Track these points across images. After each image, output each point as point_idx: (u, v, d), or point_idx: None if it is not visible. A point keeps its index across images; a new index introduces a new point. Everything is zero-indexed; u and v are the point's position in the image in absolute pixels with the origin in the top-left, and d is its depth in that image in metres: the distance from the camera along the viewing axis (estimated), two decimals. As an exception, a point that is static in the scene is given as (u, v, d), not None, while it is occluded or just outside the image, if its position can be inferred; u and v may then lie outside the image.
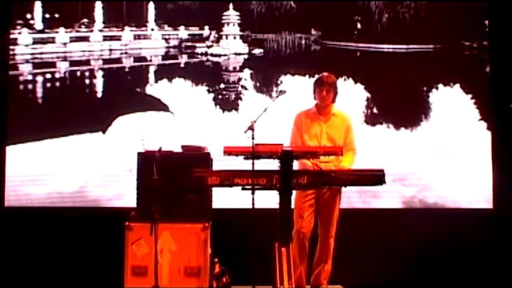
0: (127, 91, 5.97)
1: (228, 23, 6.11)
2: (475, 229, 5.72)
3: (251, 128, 4.05)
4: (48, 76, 5.95)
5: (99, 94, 5.98)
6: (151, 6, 6.07)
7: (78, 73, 5.98)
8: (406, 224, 5.69)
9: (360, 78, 6.14)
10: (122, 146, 5.67)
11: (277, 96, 4.46)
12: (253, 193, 4.07)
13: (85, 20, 6.03)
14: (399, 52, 6.18)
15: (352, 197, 5.85)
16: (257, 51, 6.11)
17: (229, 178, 4.15)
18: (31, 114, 5.85)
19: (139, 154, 4.62)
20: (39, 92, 5.92)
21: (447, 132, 6.00)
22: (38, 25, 5.98)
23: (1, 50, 5.82)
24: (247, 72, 6.08)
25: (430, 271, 5.77)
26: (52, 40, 5.97)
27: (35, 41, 5.95)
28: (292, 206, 4.40)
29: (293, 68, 6.11)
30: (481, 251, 5.74)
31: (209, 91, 5.99)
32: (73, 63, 5.98)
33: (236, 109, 5.99)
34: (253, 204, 4.06)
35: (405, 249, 5.67)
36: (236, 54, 6.10)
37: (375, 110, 6.12)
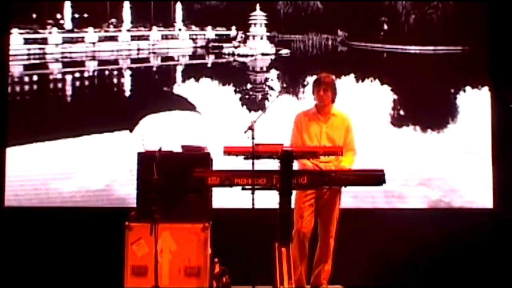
0: (154, 90, 6.03)
1: (255, 24, 6.13)
2: (475, 229, 5.71)
3: (251, 128, 4.05)
4: (77, 75, 6.03)
5: (127, 93, 6.05)
6: (178, 6, 6.12)
7: (107, 72, 6.05)
8: (406, 224, 5.68)
9: (387, 79, 6.12)
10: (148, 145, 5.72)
11: (277, 96, 4.48)
12: (253, 193, 4.07)
13: (113, 20, 6.09)
14: (426, 53, 6.15)
15: (377, 197, 5.87)
16: (284, 51, 6.13)
17: (229, 178, 4.15)
18: (59, 112, 5.92)
19: (139, 154, 4.60)
20: (68, 90, 6.00)
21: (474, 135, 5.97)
22: (68, 24, 6.06)
23: (1, 50, 5.89)
24: (273, 73, 6.11)
25: (430, 271, 5.75)
26: (81, 40, 6.05)
27: (65, 41, 6.04)
28: (292, 206, 4.40)
29: (319, 69, 6.01)
30: (481, 251, 5.72)
31: (236, 91, 6.02)
32: (101, 62, 6.05)
33: (263, 110, 6.00)
34: (253, 204, 4.04)
35: (405, 249, 5.65)
36: (263, 54, 6.12)
37: (401, 112, 6.10)
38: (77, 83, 6.02)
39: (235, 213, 5.01)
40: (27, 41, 5.98)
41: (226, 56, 6.11)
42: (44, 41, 6.00)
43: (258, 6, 6.12)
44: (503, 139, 5.91)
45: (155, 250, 4.16)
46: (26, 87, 5.97)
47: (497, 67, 5.99)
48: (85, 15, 6.07)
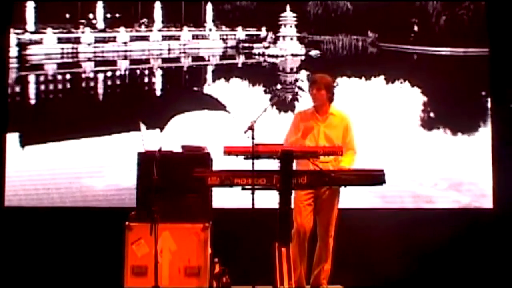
0: (185, 90, 6.09)
1: (285, 24, 6.15)
2: (475, 229, 5.69)
3: (251, 128, 4.04)
4: (109, 74, 6.10)
5: (158, 93, 6.10)
6: (209, 6, 6.16)
7: (138, 72, 6.12)
8: (406, 224, 5.66)
9: (417, 81, 6.10)
10: (179, 144, 5.76)
11: (277, 97, 4.46)
12: (253, 193, 4.06)
13: (145, 20, 6.16)
14: (457, 55, 6.10)
15: (405, 197, 5.87)
16: (314, 52, 6.14)
17: (229, 178, 4.13)
18: (91, 110, 5.99)
19: (139, 154, 4.60)
20: (100, 89, 6.08)
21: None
22: (100, 24, 6.13)
23: (1, 50, 5.94)
24: (303, 74, 6.12)
25: (430, 271, 5.73)
26: (113, 39, 6.13)
27: (97, 40, 6.11)
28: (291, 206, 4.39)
29: (349, 70, 6.10)
30: (481, 251, 5.70)
31: (265, 92, 6.04)
32: (133, 61, 6.12)
33: (293, 110, 6.00)
34: (253, 204, 4.03)
35: (405, 249, 5.64)
36: (293, 55, 6.14)
37: (431, 115, 6.06)
38: (109, 82, 6.10)
39: (235, 213, 5.02)
40: (60, 40, 6.07)
41: (256, 57, 6.14)
42: (77, 40, 6.09)
43: (288, 7, 6.13)
44: (503, 139, 5.88)
45: (155, 250, 4.15)
46: (59, 86, 6.08)
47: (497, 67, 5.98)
48: (117, 15, 6.15)
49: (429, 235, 5.61)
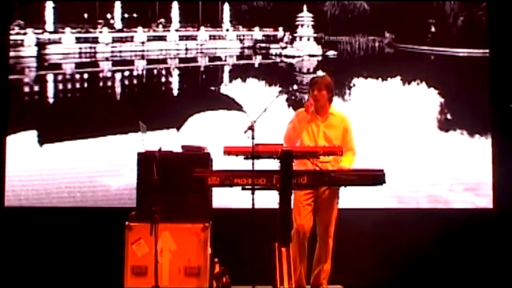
0: (202, 90, 6.12)
1: (302, 25, 6.16)
2: (475, 229, 5.68)
3: (251, 128, 4.04)
4: (127, 73, 6.15)
5: (175, 92, 6.14)
6: (226, 7, 6.18)
7: (155, 71, 6.16)
8: (406, 224, 5.66)
9: (434, 82, 6.08)
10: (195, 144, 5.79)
11: (276, 96, 4.45)
12: (253, 193, 4.05)
13: (162, 20, 6.19)
14: (475, 56, 6.07)
15: (422, 202, 5.86)
16: (331, 53, 6.15)
17: (229, 178, 4.13)
18: (109, 109, 6.04)
19: (139, 154, 4.60)
20: (117, 88, 6.12)
21: None
22: (118, 24, 6.18)
23: (1, 50, 5.98)
24: (320, 74, 6.11)
25: (430, 271, 5.72)
26: (130, 39, 6.17)
27: (115, 40, 6.16)
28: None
29: (366, 71, 6.10)
30: (481, 251, 5.69)
31: (282, 92, 6.06)
32: (150, 61, 6.16)
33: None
34: (253, 204, 4.03)
35: (405, 249, 5.63)
36: (309, 55, 6.15)
37: (448, 116, 6.04)
38: (126, 82, 6.14)
39: (235, 213, 5.04)
40: (78, 40, 6.13)
41: (273, 57, 6.16)
42: (95, 40, 6.13)
43: (305, 7, 6.14)
44: (503, 139, 5.87)
45: (155, 250, 4.14)
46: (77, 85, 6.12)
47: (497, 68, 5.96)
48: (135, 15, 6.19)
49: (429, 235, 5.62)
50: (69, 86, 6.09)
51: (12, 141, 5.92)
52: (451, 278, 5.66)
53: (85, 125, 5.95)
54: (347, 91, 6.08)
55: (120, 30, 6.16)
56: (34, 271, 5.66)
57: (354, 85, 6.09)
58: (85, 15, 6.13)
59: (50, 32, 6.08)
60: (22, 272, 5.66)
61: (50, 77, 6.08)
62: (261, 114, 4.19)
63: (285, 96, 6.05)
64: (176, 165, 4.50)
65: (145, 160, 4.47)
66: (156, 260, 4.13)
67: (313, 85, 4.66)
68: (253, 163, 4.05)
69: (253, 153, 4.05)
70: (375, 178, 4.15)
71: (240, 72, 6.11)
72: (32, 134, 5.96)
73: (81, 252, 5.64)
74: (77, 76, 6.11)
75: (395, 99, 6.05)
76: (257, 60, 6.17)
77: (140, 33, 6.17)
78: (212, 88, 6.11)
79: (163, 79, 6.14)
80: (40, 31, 6.06)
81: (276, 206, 4.15)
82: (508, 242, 5.71)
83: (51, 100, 6.05)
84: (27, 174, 5.91)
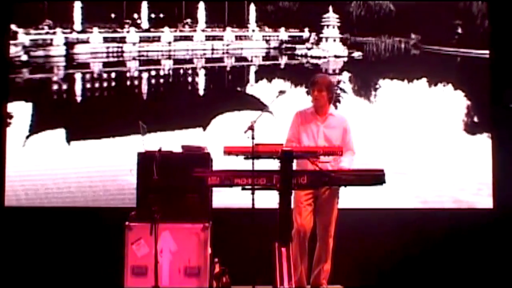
0: (228, 90, 6.15)
1: (327, 26, 6.16)
2: (475, 229, 5.67)
3: (251, 128, 4.05)
4: (153, 73, 6.20)
5: (201, 92, 6.18)
6: (252, 7, 6.21)
7: (181, 71, 6.20)
8: (406, 224, 5.65)
9: (460, 85, 6.05)
10: (220, 143, 5.79)
11: (277, 96, 4.42)
12: (253, 193, 4.06)
13: (188, 20, 6.23)
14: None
15: (445, 196, 5.87)
16: (357, 54, 6.14)
17: (229, 178, 4.13)
18: (135, 108, 6.07)
19: (139, 154, 4.60)
20: (144, 88, 6.18)
21: None
22: (145, 24, 6.23)
23: (1, 50, 6.02)
24: (346, 75, 6.13)
25: (430, 270, 5.71)
26: (157, 39, 6.22)
27: (142, 40, 6.22)
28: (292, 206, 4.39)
29: (392, 72, 6.09)
30: (481, 251, 5.68)
31: (308, 93, 5.95)
32: (176, 61, 6.20)
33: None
34: (253, 204, 4.04)
35: (405, 249, 5.63)
36: (335, 56, 6.15)
37: (475, 119, 6.00)
38: (153, 81, 6.20)
39: (235, 213, 5.04)
40: (106, 40, 6.20)
41: (299, 58, 6.17)
42: (122, 40, 6.20)
43: (331, 8, 6.14)
44: (503, 139, 5.85)
45: (155, 250, 4.16)
46: (105, 84, 6.19)
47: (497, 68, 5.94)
48: (161, 15, 6.23)
49: (429, 235, 5.64)
50: (97, 85, 6.16)
51: (39, 139, 6.00)
52: (451, 278, 5.67)
53: (111, 123, 6.01)
54: (373, 92, 6.08)
55: (147, 30, 6.22)
56: (34, 271, 5.70)
57: (379, 86, 6.09)
58: (113, 15, 6.19)
59: (78, 32, 6.15)
60: (22, 272, 5.70)
61: (78, 76, 6.15)
62: (262, 114, 4.21)
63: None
64: (176, 165, 4.49)
65: (145, 160, 4.47)
66: (156, 260, 4.16)
67: (313, 85, 4.67)
68: (253, 163, 4.06)
69: (253, 153, 4.06)
70: (375, 178, 4.16)
71: (266, 72, 6.13)
72: (55, 132, 6.03)
73: (81, 252, 5.67)
74: (105, 75, 6.18)
75: (421, 101, 6.03)
76: (283, 61, 6.19)
77: (166, 33, 6.22)
78: (238, 88, 6.14)
79: (190, 79, 6.19)
80: (68, 30, 6.13)
81: (276, 206, 4.15)
82: (508, 242, 5.71)
83: (79, 99, 6.12)
84: (27, 174, 5.96)
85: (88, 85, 6.15)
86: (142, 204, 4.47)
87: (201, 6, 6.21)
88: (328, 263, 4.65)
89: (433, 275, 5.71)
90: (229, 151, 4.15)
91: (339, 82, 6.11)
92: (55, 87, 6.13)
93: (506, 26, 5.93)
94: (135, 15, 6.22)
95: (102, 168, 5.94)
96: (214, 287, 4.48)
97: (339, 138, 4.62)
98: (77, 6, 6.14)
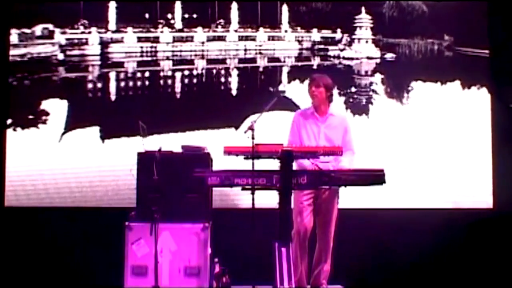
0: (260, 90, 6.18)
1: (360, 27, 6.17)
2: (475, 229, 5.65)
3: (251, 128, 4.05)
4: (186, 73, 6.27)
5: (234, 92, 6.23)
6: (284, 8, 6.23)
7: (214, 71, 6.26)
8: (406, 224, 5.62)
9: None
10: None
11: (277, 96, 4.42)
12: (253, 193, 4.06)
13: (221, 21, 6.28)
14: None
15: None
16: (389, 55, 6.14)
17: (229, 178, 4.13)
18: (168, 107, 6.16)
19: (139, 154, 4.61)
20: (177, 87, 6.24)
21: None
22: (178, 24, 6.30)
23: (2, 49, 6.09)
24: (378, 77, 6.13)
25: (430, 270, 5.71)
26: (190, 39, 6.28)
27: (175, 40, 6.28)
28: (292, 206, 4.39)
29: (424, 74, 6.07)
30: (481, 251, 5.66)
31: (340, 94, 6.08)
32: (209, 61, 6.26)
33: (367, 114, 6.05)
34: (253, 204, 4.03)
35: (405, 249, 5.61)
36: (368, 58, 6.15)
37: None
38: (186, 81, 6.26)
39: (235, 213, 5.06)
40: (140, 39, 6.28)
41: (332, 59, 6.19)
42: (156, 39, 6.27)
43: (363, 9, 6.14)
44: (503, 139, 5.82)
45: (155, 250, 4.17)
46: (139, 83, 6.28)
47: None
48: (195, 16, 6.29)
49: (429, 235, 5.62)
50: (131, 84, 6.25)
51: (73, 137, 6.09)
52: (451, 278, 5.67)
53: (145, 122, 6.07)
54: (405, 94, 6.07)
55: (180, 30, 6.28)
56: (34, 271, 5.74)
57: (412, 88, 6.07)
58: (146, 15, 6.27)
59: (113, 32, 6.25)
60: (22, 272, 5.74)
61: (112, 75, 6.24)
62: (262, 114, 4.23)
63: (343, 98, 6.10)
64: (176, 165, 4.50)
65: (145, 160, 4.48)
66: (156, 260, 4.18)
67: (311, 82, 4.67)
68: (253, 163, 4.06)
69: (253, 153, 4.06)
70: (375, 178, 4.15)
71: (299, 73, 6.15)
72: (91, 130, 6.12)
73: (81, 252, 5.70)
74: (139, 74, 6.25)
75: (454, 104, 6.01)
76: (315, 62, 6.22)
77: (200, 33, 6.28)
78: (271, 88, 6.18)
79: (222, 79, 6.24)
80: (103, 30, 6.23)
81: (276, 206, 4.15)
82: (508, 242, 5.70)
83: (113, 97, 6.21)
84: (26, 174, 6.02)
85: (122, 84, 6.24)
86: (142, 204, 4.48)
87: (234, 6, 6.26)
88: (328, 263, 4.65)
89: (433, 275, 5.72)
90: (229, 151, 4.16)
91: (371, 83, 6.13)
92: (90, 85, 6.23)
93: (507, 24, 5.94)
94: (169, 15, 6.29)
95: (101, 168, 6.00)
96: (214, 287, 4.49)
97: (340, 138, 4.61)
98: (112, 6, 6.23)
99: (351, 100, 6.08)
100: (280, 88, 6.06)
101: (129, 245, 4.46)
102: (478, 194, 5.87)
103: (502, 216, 5.75)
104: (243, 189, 4.14)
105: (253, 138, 4.06)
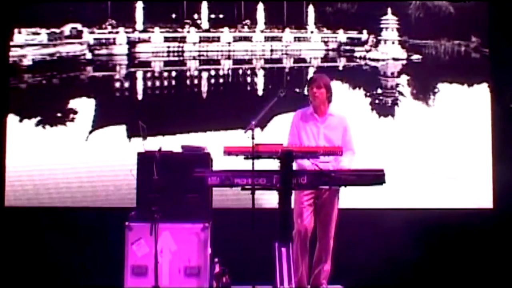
0: (286, 90, 6.18)
1: (386, 28, 6.16)
2: (475, 229, 5.63)
3: (251, 128, 4.05)
4: (213, 73, 6.32)
5: (260, 92, 6.26)
6: (310, 9, 6.25)
7: (240, 71, 6.30)
8: (406, 224, 5.60)
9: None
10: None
11: (277, 96, 4.41)
12: (253, 193, 4.05)
13: (247, 21, 6.31)
14: None
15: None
16: (415, 57, 6.12)
17: (229, 178, 4.13)
18: (194, 106, 6.21)
19: (139, 154, 4.62)
20: (204, 87, 6.29)
21: None
22: (205, 24, 6.35)
23: (2, 50, 6.14)
24: (404, 78, 6.12)
25: (430, 270, 5.68)
26: (217, 39, 6.33)
27: (202, 40, 6.33)
28: (292, 206, 4.38)
29: (451, 76, 6.05)
30: (481, 251, 5.64)
31: (366, 95, 6.10)
32: (236, 61, 6.30)
33: (393, 115, 6.05)
34: (253, 204, 4.03)
35: (405, 249, 5.58)
36: (394, 59, 6.15)
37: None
38: (212, 81, 6.31)
39: (235, 213, 5.05)
40: (167, 39, 6.34)
41: (358, 60, 6.20)
42: (182, 39, 6.32)
43: (389, 10, 6.13)
44: (503, 139, 5.80)
45: (155, 250, 4.18)
46: (165, 82, 6.34)
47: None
48: (221, 16, 6.33)
49: (430, 234, 5.62)
50: (157, 83, 6.30)
51: (99, 135, 6.16)
52: (451, 278, 5.65)
53: (171, 121, 6.13)
54: (432, 96, 6.06)
55: (207, 30, 6.33)
56: (34, 271, 5.77)
57: (438, 90, 6.05)
58: (173, 15, 6.32)
59: (140, 31, 6.31)
60: (22, 272, 5.76)
61: (139, 74, 6.31)
62: (262, 114, 4.23)
63: (369, 99, 6.10)
64: (176, 165, 4.51)
65: (145, 160, 4.50)
66: (156, 260, 4.19)
67: (312, 83, 4.66)
68: (253, 163, 4.06)
69: (253, 153, 4.06)
70: (375, 178, 4.15)
71: (325, 74, 6.11)
72: (118, 129, 6.19)
73: (81, 252, 5.71)
74: (165, 74, 6.31)
75: (482, 106, 5.98)
76: (341, 63, 6.23)
77: (226, 34, 6.32)
78: (297, 89, 6.19)
79: (249, 79, 6.28)
80: (130, 30, 6.30)
81: (276, 206, 4.16)
82: (508, 242, 5.68)
83: (140, 97, 6.28)
84: (26, 174, 6.05)
85: (149, 83, 6.31)
86: (142, 204, 4.49)
87: (260, 7, 6.29)
88: (328, 263, 4.64)
89: (433, 275, 5.71)
90: (229, 151, 4.15)
91: (397, 85, 6.12)
92: (117, 84, 6.31)
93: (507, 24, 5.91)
94: (195, 16, 6.33)
95: (102, 168, 6.04)
96: (214, 287, 4.49)
97: (339, 138, 4.61)
98: (139, 7, 6.30)
99: (376, 101, 6.08)
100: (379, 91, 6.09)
101: (129, 245, 4.47)
102: (478, 194, 5.85)
103: (502, 216, 5.74)
104: (243, 189, 4.15)
105: (253, 138, 4.08)
